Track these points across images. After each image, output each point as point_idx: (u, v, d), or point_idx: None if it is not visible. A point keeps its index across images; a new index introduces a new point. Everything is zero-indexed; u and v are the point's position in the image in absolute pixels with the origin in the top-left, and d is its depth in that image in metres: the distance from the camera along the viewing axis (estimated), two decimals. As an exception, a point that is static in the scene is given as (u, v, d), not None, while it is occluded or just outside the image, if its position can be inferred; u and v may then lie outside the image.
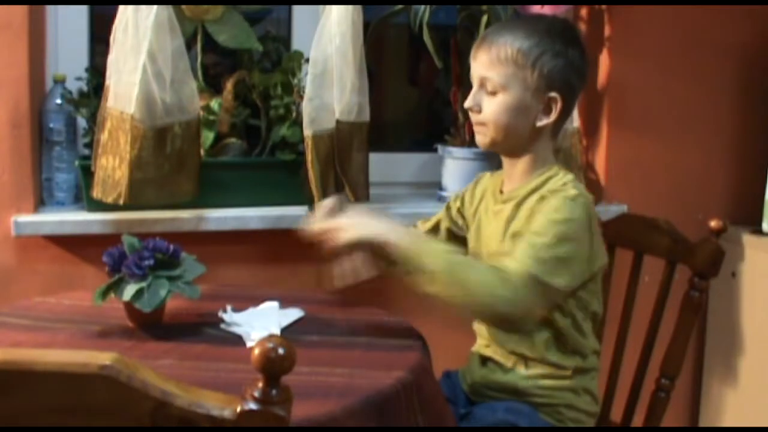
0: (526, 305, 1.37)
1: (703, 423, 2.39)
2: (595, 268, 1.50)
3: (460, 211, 1.70)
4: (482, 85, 1.52)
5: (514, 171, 1.56)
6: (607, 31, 2.27)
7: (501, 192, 1.59)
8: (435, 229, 1.73)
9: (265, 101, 2.06)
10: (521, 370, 1.55)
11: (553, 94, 1.49)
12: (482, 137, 1.54)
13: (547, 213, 1.43)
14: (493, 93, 1.50)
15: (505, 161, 1.58)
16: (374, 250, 1.43)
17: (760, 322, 2.23)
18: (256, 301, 1.55)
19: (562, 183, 1.49)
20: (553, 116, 1.49)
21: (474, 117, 1.54)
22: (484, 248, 1.59)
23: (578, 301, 1.51)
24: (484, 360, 1.62)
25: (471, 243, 1.64)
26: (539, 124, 1.50)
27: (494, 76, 1.49)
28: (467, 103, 1.53)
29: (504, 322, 1.45)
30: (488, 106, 1.50)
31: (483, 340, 1.64)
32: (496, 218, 1.57)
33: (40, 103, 1.96)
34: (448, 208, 1.72)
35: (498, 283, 1.35)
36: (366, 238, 1.40)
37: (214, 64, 2.14)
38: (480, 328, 1.66)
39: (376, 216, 1.44)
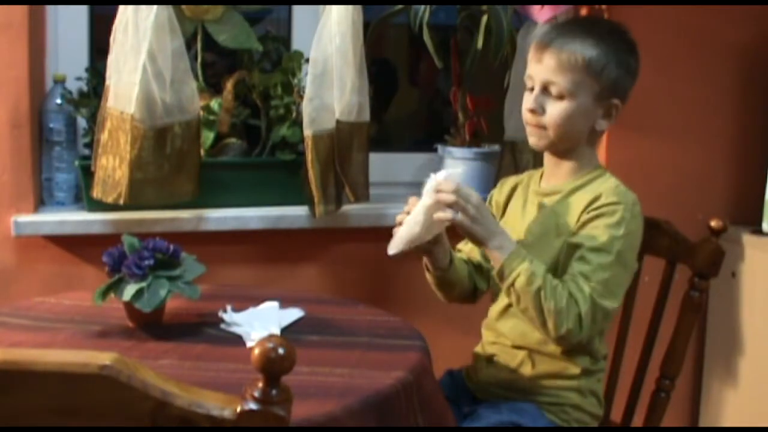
0: (587, 335, 1.44)
1: (703, 423, 2.39)
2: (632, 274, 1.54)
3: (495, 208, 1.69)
4: (545, 88, 1.52)
5: (560, 169, 1.58)
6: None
7: (540, 187, 1.62)
8: None
9: (265, 101, 2.06)
10: (528, 369, 1.56)
11: (615, 101, 1.52)
12: (538, 139, 1.55)
13: (610, 227, 1.46)
14: (559, 98, 1.50)
15: (550, 159, 1.59)
16: (467, 236, 1.46)
17: (760, 322, 2.22)
18: (256, 301, 1.55)
19: (615, 185, 1.52)
20: (613, 120, 1.54)
21: (534, 119, 1.53)
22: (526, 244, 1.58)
23: None
24: (490, 359, 1.62)
25: None
26: (599, 128, 1.54)
27: (562, 81, 1.49)
28: (530, 105, 1.53)
29: (560, 341, 1.48)
30: (552, 110, 1.51)
31: (489, 338, 1.64)
32: (530, 211, 1.59)
33: (40, 103, 1.96)
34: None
35: (570, 315, 1.40)
36: (467, 231, 1.42)
37: (213, 64, 2.14)
38: (487, 330, 1.66)
39: (483, 207, 1.44)
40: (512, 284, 1.42)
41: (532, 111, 1.52)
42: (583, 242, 1.46)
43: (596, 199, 1.49)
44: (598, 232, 1.46)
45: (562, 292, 1.41)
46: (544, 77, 1.51)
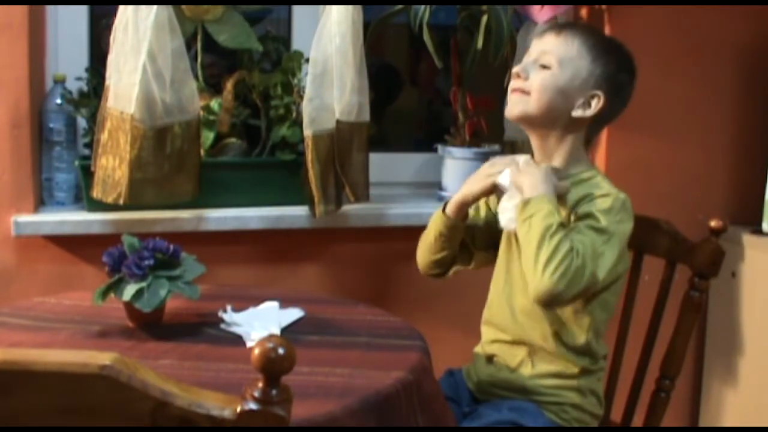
0: (567, 291, 1.40)
1: (703, 423, 2.39)
2: (621, 270, 1.54)
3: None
4: (537, 59, 1.55)
5: (548, 161, 1.58)
6: (607, 31, 2.27)
7: None
8: (476, 214, 1.73)
9: (265, 101, 2.06)
10: (527, 368, 1.56)
11: (598, 92, 1.53)
12: (516, 105, 1.56)
13: (602, 211, 1.47)
14: (547, 67, 1.53)
15: (537, 148, 1.60)
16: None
17: (760, 322, 2.22)
18: (256, 301, 1.55)
19: (605, 185, 1.53)
20: (590, 112, 1.53)
21: (518, 83, 1.55)
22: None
23: (601, 302, 1.54)
24: (490, 358, 1.62)
25: (505, 233, 1.65)
26: (575, 114, 1.53)
27: (555, 50, 1.53)
28: (517, 68, 1.56)
29: (542, 291, 1.43)
30: (536, 76, 1.54)
31: (489, 337, 1.64)
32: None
33: (40, 103, 1.96)
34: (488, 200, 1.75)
35: (563, 262, 1.39)
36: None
37: (211, 65, 2.13)
38: (486, 326, 1.66)
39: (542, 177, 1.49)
40: (531, 216, 1.43)
41: (517, 75, 1.55)
42: (577, 222, 1.48)
43: (587, 195, 1.51)
44: (592, 215, 1.47)
45: (565, 241, 1.41)
46: (540, 48, 1.56)
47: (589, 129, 1.58)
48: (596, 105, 1.53)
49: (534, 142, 1.60)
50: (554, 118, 1.54)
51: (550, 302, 1.43)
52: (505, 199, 1.54)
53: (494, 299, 1.65)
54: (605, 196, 1.50)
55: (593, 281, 1.43)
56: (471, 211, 1.68)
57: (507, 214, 1.53)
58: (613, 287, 1.54)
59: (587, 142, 1.60)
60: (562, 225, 1.44)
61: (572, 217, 1.50)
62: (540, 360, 1.56)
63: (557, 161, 1.57)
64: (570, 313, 1.52)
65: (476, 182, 1.60)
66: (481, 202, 1.70)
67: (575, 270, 1.39)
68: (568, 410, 1.55)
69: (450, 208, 1.63)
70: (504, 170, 1.55)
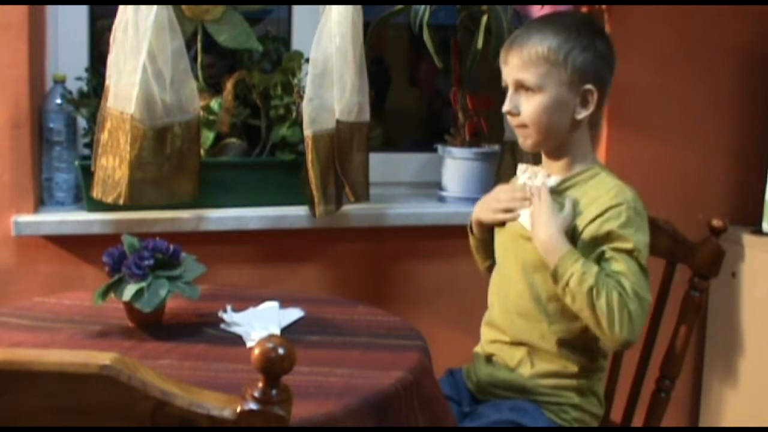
0: (639, 331, 1.43)
1: (703, 423, 2.39)
2: None
3: None
4: (518, 88, 1.53)
5: (555, 166, 1.58)
6: (607, 31, 2.27)
7: None
8: None
9: (265, 101, 2.06)
10: (527, 368, 1.56)
11: (588, 87, 1.51)
12: (525, 139, 1.56)
13: (621, 227, 1.46)
14: (531, 94, 1.51)
15: (545, 156, 1.60)
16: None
17: (760, 322, 2.22)
18: (256, 301, 1.55)
19: (610, 187, 1.51)
20: (591, 107, 1.52)
21: (514, 120, 1.55)
22: (517, 233, 1.59)
23: None
24: (489, 358, 1.62)
25: (501, 236, 1.64)
26: (579, 117, 1.52)
27: (529, 77, 1.50)
28: (505, 107, 1.55)
29: (617, 342, 1.46)
30: (527, 108, 1.52)
31: (489, 338, 1.64)
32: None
33: (40, 103, 1.96)
34: None
35: (623, 313, 1.40)
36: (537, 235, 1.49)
37: (211, 65, 2.13)
38: (486, 327, 1.66)
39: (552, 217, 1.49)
40: (566, 284, 1.43)
41: (509, 113, 1.55)
42: (601, 245, 1.47)
43: (596, 204, 1.49)
44: (615, 235, 1.46)
45: (612, 291, 1.41)
46: (513, 77, 1.53)
47: (592, 116, 1.55)
48: (593, 98, 1.52)
49: (546, 152, 1.60)
50: (562, 130, 1.53)
51: (629, 347, 1.47)
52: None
53: (493, 300, 1.65)
54: (616, 206, 1.47)
55: (649, 305, 1.45)
56: None
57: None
58: None
59: (592, 126, 1.59)
60: (594, 268, 1.43)
61: (589, 229, 1.48)
62: (539, 360, 1.56)
63: (565, 163, 1.56)
64: (569, 313, 1.52)
65: (488, 212, 1.64)
66: None
67: (636, 313, 1.41)
68: (567, 410, 1.55)
69: (473, 227, 1.69)
70: (522, 212, 1.57)
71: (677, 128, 2.34)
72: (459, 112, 2.21)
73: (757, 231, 2.23)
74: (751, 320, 2.25)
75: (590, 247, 1.48)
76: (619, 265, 1.44)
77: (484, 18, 2.06)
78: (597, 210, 1.49)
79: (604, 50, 1.54)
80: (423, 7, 2.04)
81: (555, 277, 1.45)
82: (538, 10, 2.11)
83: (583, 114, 1.52)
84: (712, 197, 2.37)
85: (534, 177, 1.59)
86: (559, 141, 1.55)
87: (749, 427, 2.23)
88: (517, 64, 1.52)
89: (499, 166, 2.25)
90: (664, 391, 1.69)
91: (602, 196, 1.50)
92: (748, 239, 2.24)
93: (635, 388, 1.76)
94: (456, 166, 2.20)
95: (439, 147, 2.24)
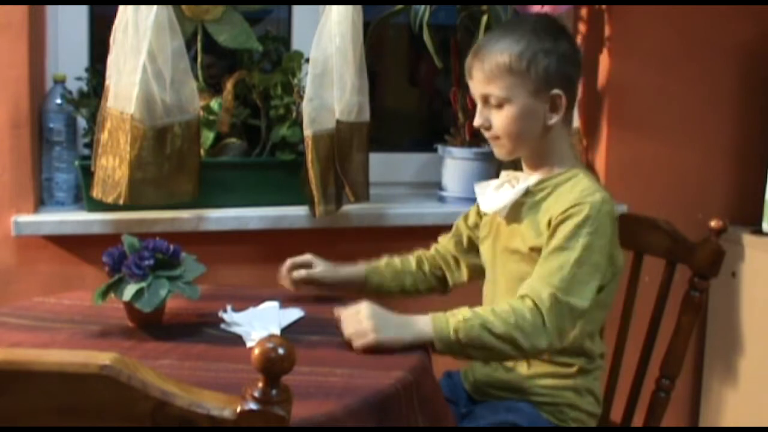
0: (557, 337, 1.40)
1: (703, 423, 2.39)
2: (615, 270, 1.53)
3: (478, 213, 1.71)
4: (486, 101, 1.53)
5: (533, 171, 1.58)
6: (607, 31, 2.27)
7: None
8: (458, 240, 1.74)
9: (265, 101, 2.06)
10: (523, 368, 1.56)
11: (555, 91, 1.50)
12: (500, 149, 1.57)
13: (575, 226, 1.44)
14: (499, 106, 1.51)
15: (523, 162, 1.61)
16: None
17: (760, 322, 2.23)
18: (256, 301, 1.55)
19: (582, 188, 1.49)
20: (561, 111, 1.52)
21: (486, 134, 1.56)
22: (502, 246, 1.59)
23: (596, 302, 1.50)
24: (486, 359, 1.62)
25: (487, 251, 1.64)
26: (550, 122, 1.52)
27: (495, 90, 1.50)
28: (476, 123, 1.55)
29: (541, 354, 1.47)
30: (497, 120, 1.52)
31: None
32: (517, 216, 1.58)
33: (40, 103, 1.96)
34: (466, 218, 1.75)
35: (528, 327, 1.37)
36: (385, 345, 1.34)
37: (211, 65, 2.13)
38: None
39: (376, 315, 1.38)
40: (459, 342, 1.37)
41: (481, 126, 1.55)
42: (546, 245, 1.46)
43: (562, 202, 1.48)
44: (562, 234, 1.44)
45: (504, 311, 1.38)
46: (480, 91, 1.53)
47: (565, 117, 1.54)
48: (562, 102, 1.51)
49: (524, 159, 1.60)
50: (535, 137, 1.53)
51: (552, 351, 1.47)
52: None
53: (487, 303, 1.65)
54: (579, 206, 1.45)
55: (576, 309, 1.41)
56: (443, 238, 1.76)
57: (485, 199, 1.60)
58: (608, 288, 1.52)
59: (566, 125, 1.57)
60: (464, 310, 1.40)
61: (552, 225, 1.47)
62: (536, 360, 1.55)
63: (543, 166, 1.56)
64: None
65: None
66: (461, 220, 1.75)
67: (549, 319, 1.37)
68: (564, 410, 1.55)
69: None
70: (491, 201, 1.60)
71: (677, 128, 2.34)
72: (459, 112, 2.21)
73: (757, 231, 2.23)
74: (751, 320, 2.25)
75: (541, 243, 1.47)
76: (546, 268, 1.42)
77: (484, 18, 2.06)
78: (561, 207, 1.47)
79: (567, 51, 1.53)
80: (423, 7, 2.04)
81: (443, 344, 1.37)
82: (538, 10, 2.11)
83: (554, 119, 1.52)
84: (712, 197, 2.37)
85: (515, 181, 1.59)
86: (533, 148, 1.55)
87: (749, 427, 2.23)
88: (481, 78, 1.52)
89: (499, 166, 2.25)
90: (664, 391, 1.69)
91: (572, 194, 1.49)
92: (748, 239, 2.24)
93: (635, 387, 1.76)
94: (456, 166, 2.20)
95: (439, 147, 2.24)
